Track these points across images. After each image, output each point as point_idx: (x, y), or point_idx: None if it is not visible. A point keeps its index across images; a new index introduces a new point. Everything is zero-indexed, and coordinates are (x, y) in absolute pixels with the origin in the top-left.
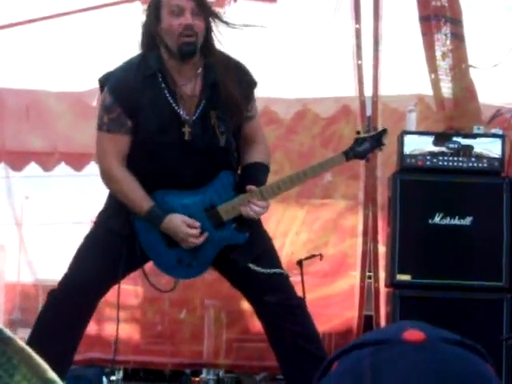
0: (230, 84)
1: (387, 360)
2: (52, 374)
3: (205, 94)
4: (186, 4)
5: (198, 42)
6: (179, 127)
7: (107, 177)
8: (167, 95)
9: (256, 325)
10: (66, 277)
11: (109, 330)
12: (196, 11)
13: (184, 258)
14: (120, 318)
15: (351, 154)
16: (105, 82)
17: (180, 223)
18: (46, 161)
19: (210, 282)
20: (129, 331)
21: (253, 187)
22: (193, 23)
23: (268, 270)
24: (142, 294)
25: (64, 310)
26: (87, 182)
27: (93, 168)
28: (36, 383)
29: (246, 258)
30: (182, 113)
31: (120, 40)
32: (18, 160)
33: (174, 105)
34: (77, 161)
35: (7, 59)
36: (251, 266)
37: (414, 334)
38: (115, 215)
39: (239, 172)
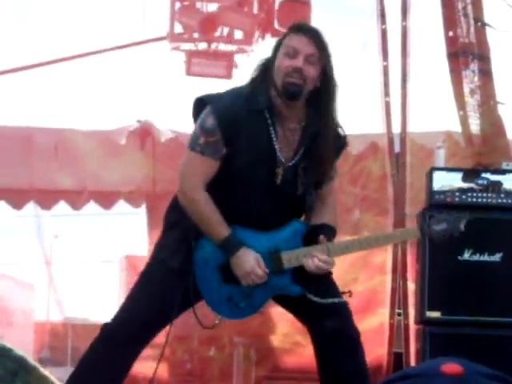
0: (325, 143)
1: None
2: None
3: (304, 143)
4: (303, 48)
5: (306, 86)
6: (273, 167)
7: (189, 197)
8: (271, 133)
9: (286, 362)
10: (121, 313)
11: (140, 368)
12: (311, 59)
13: (234, 296)
14: (149, 356)
15: (427, 230)
16: (208, 102)
17: (252, 259)
18: (75, 199)
19: (239, 320)
20: (158, 370)
21: (324, 238)
22: (303, 67)
23: (330, 300)
24: (171, 332)
25: (115, 346)
26: (116, 220)
27: (122, 206)
28: None
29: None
30: (279, 154)
31: (148, 78)
32: (47, 199)
33: (275, 143)
34: (106, 199)
35: (36, 98)
36: (313, 297)
37: (452, 367)
38: (176, 252)
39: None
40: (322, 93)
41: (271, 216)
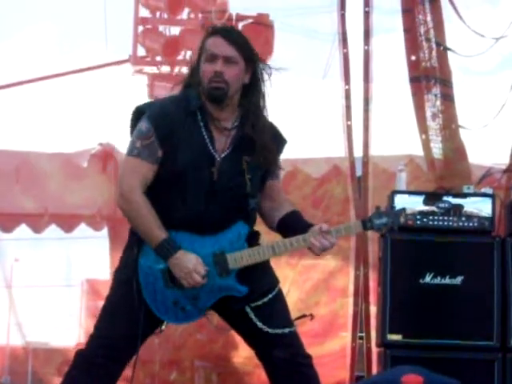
0: (261, 138)
1: None
2: None
3: (236, 137)
4: (220, 51)
5: (229, 88)
6: (210, 166)
7: (127, 199)
8: (204, 134)
9: None
10: (92, 338)
11: None
12: (231, 60)
13: (180, 300)
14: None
15: (369, 224)
16: (145, 109)
17: (193, 257)
18: (37, 222)
19: (200, 343)
20: None
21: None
22: (222, 70)
23: (278, 331)
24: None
25: (92, 371)
26: (77, 244)
27: (83, 230)
28: None
29: (243, 301)
30: (214, 153)
31: (111, 101)
32: (8, 221)
33: (208, 144)
34: (67, 222)
35: None
36: (260, 325)
37: (412, 378)
38: (126, 264)
39: (276, 224)
40: (251, 88)
41: (215, 217)
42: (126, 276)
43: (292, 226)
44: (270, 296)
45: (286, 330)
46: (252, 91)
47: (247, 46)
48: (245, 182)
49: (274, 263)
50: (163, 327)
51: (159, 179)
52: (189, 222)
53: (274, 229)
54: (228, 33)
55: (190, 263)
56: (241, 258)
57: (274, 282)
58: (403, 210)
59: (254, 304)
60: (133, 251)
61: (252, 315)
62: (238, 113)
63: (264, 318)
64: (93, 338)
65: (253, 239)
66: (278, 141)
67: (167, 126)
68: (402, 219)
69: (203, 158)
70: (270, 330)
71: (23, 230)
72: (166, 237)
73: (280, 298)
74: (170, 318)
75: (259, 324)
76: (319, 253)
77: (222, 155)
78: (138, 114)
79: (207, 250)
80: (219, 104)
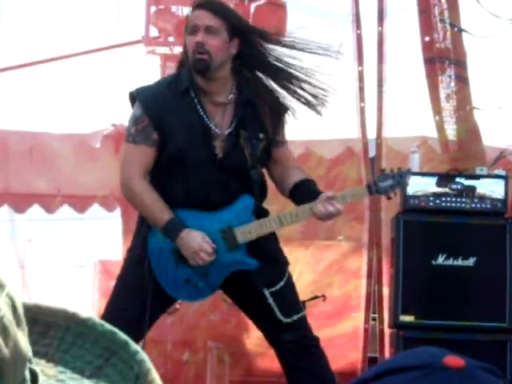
0: (261, 107)
1: None
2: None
3: (238, 112)
4: (201, 22)
5: (213, 58)
6: (210, 142)
7: (127, 187)
8: (200, 110)
9: (259, 366)
10: (103, 319)
11: None
12: (212, 29)
13: (192, 278)
14: None
15: (374, 188)
16: (136, 95)
17: (198, 236)
18: (50, 203)
19: (213, 324)
20: None
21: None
22: (203, 40)
23: (289, 320)
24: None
25: None
26: (90, 224)
27: (96, 211)
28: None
29: (263, 282)
30: (213, 127)
31: (124, 81)
32: (21, 202)
33: (205, 119)
34: (80, 203)
35: (11, 101)
36: (279, 314)
37: (455, 361)
38: (138, 245)
39: (288, 192)
40: (245, 58)
41: (220, 194)
42: (137, 256)
43: (302, 196)
44: (282, 283)
45: (296, 317)
46: (246, 61)
47: (231, 16)
48: (245, 157)
49: (286, 245)
50: (177, 306)
51: (160, 162)
52: (193, 201)
53: (287, 197)
54: (210, 4)
55: (195, 242)
56: (249, 231)
57: (285, 266)
58: (408, 170)
59: (271, 289)
60: (143, 231)
61: (271, 301)
62: (231, 85)
63: (280, 305)
64: (104, 318)
65: (260, 212)
66: (278, 110)
67: (159, 108)
68: (407, 180)
69: (202, 135)
70: (283, 319)
71: (36, 210)
72: (170, 218)
73: (290, 283)
74: (183, 295)
75: (278, 313)
76: (325, 219)
77: (226, 132)
78: (132, 99)
79: (215, 227)
80: (205, 75)
